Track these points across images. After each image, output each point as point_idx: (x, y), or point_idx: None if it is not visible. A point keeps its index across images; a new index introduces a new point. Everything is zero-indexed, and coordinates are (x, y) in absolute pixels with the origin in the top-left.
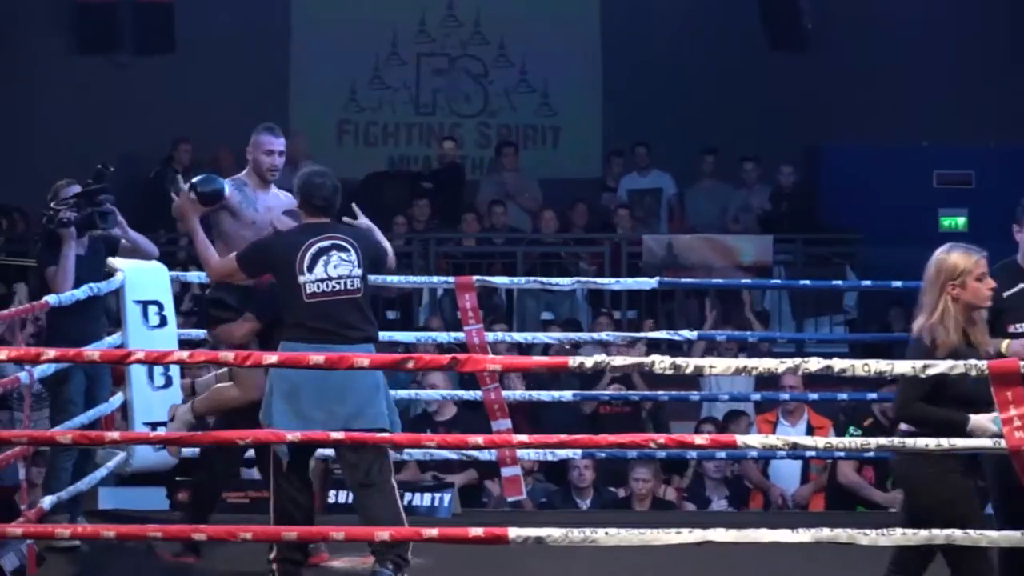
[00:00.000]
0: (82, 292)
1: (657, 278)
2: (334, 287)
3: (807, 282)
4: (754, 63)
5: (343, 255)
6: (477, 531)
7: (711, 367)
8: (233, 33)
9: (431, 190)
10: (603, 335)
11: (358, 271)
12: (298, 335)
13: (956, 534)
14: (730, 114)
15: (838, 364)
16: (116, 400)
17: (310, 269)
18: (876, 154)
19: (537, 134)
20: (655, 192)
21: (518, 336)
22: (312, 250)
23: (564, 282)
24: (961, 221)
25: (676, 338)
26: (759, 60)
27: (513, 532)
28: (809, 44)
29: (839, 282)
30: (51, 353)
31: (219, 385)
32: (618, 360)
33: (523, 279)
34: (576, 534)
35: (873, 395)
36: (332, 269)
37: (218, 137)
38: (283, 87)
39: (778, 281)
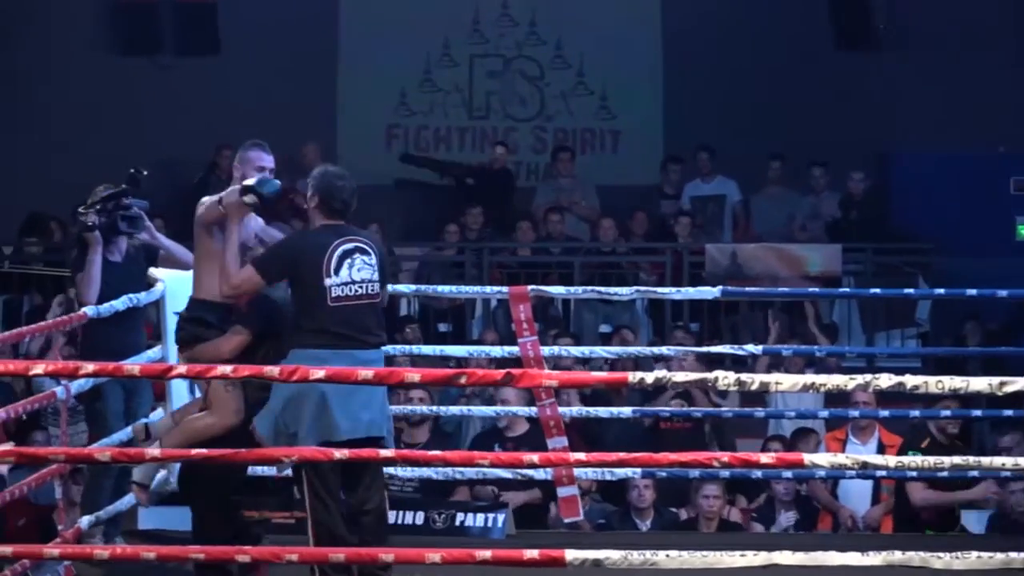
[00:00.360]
0: (121, 303)
1: (720, 287)
2: (357, 291)
3: (877, 291)
4: (822, 64)
5: (365, 259)
6: (532, 553)
7: (777, 383)
8: (279, 33)
9: (479, 192)
10: (663, 349)
11: (377, 275)
12: (320, 341)
13: None
14: (797, 118)
15: (911, 380)
16: (156, 415)
17: (336, 272)
18: (950, 160)
19: (595, 138)
20: (719, 199)
21: (575, 350)
22: (338, 252)
23: (623, 291)
24: None
25: (740, 352)
26: (827, 61)
27: (570, 554)
28: (880, 44)
29: (910, 290)
30: (89, 367)
31: (190, 417)
32: (680, 376)
33: (580, 289)
34: (636, 556)
35: (947, 412)
36: (356, 273)
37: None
38: (330, 90)
39: (847, 290)
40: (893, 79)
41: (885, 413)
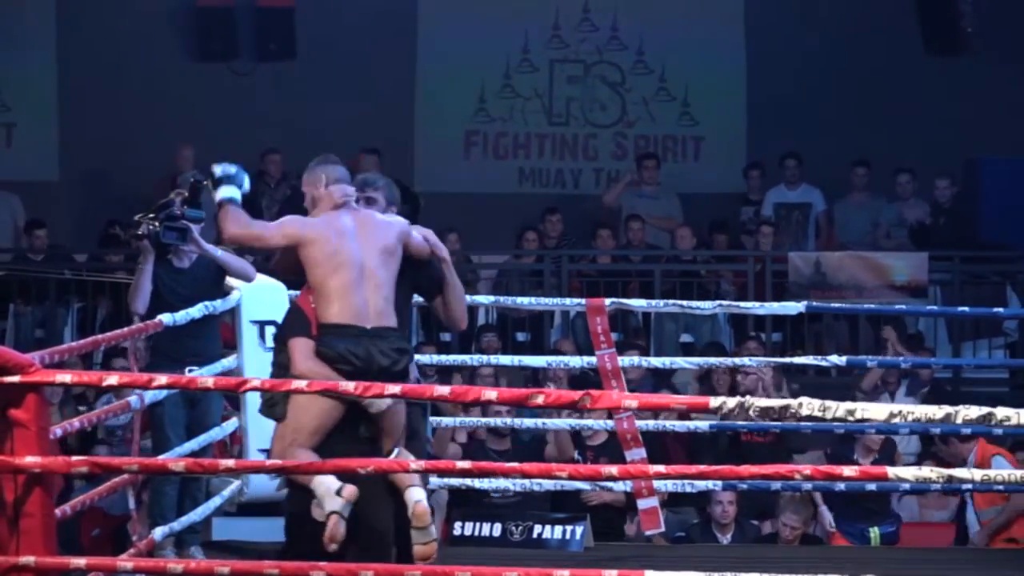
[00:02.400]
0: (197, 311)
1: (804, 303)
2: None
3: (966, 309)
4: (909, 69)
5: None
6: (611, 573)
7: (864, 411)
8: (356, 38)
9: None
10: (745, 360)
11: None
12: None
13: None
14: (883, 123)
15: (1001, 412)
16: (230, 426)
17: None
18: None
19: (677, 145)
20: (803, 207)
21: (655, 361)
22: None
23: (705, 306)
24: None
25: (823, 364)
26: (914, 66)
27: (649, 575)
28: (969, 48)
29: (999, 309)
30: (162, 379)
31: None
32: (763, 402)
33: (661, 302)
34: None
35: None
36: None
37: (339, 147)
38: (408, 95)
39: (934, 308)
40: (981, 84)
41: (967, 430)
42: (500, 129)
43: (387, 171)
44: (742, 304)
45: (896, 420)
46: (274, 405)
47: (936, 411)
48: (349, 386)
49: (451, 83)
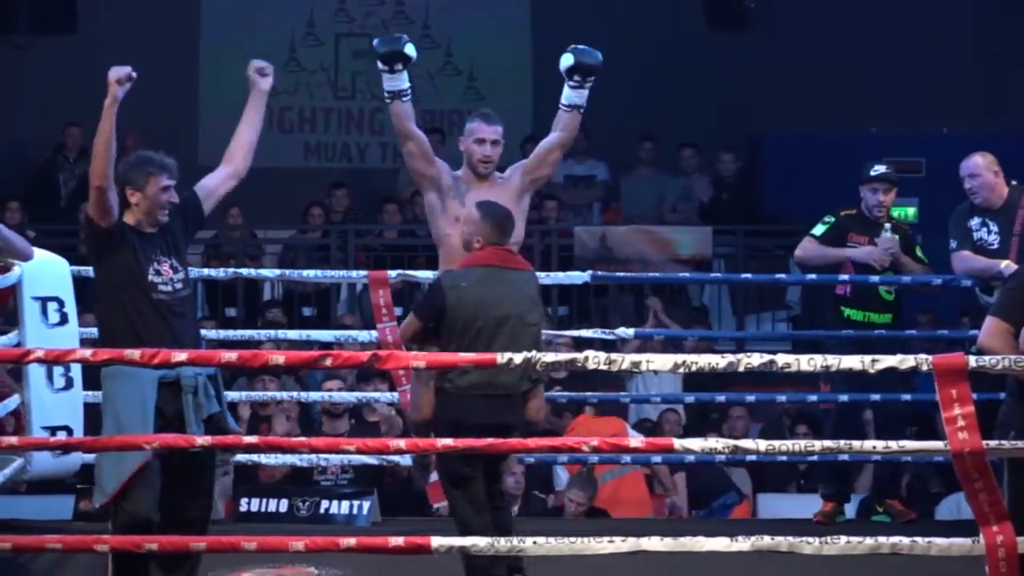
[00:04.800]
0: None
1: (589, 272)
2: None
3: (748, 276)
4: (692, 44)
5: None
6: (398, 541)
7: (649, 362)
8: (138, 11)
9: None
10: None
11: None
12: None
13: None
14: (668, 98)
15: (782, 359)
16: (11, 402)
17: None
18: (823, 142)
19: (463, 120)
20: (589, 179)
21: None
22: None
23: None
24: (911, 211)
25: (610, 337)
26: (698, 40)
27: (436, 541)
28: (751, 23)
29: (782, 275)
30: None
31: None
32: (550, 356)
33: None
34: (503, 543)
35: (814, 397)
36: None
37: (122, 122)
38: (193, 69)
39: (719, 275)
40: (764, 59)
41: (752, 398)
42: (285, 103)
43: (172, 144)
44: None
45: (682, 371)
46: None
47: (719, 360)
48: (135, 354)
49: (235, 56)
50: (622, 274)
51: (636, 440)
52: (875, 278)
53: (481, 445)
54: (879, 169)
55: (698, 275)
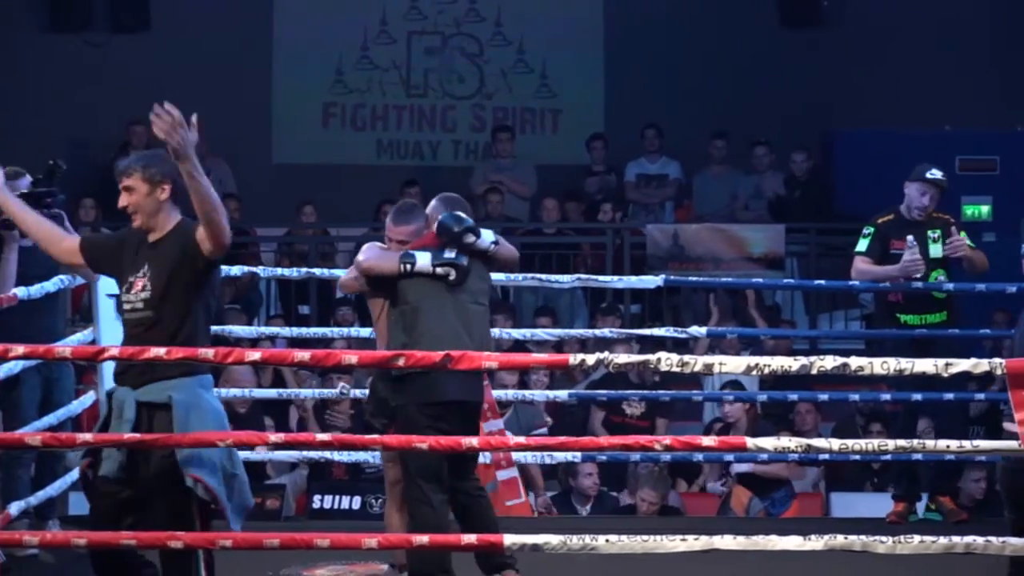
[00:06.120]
0: (53, 285)
1: (662, 276)
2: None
3: (822, 282)
4: (766, 42)
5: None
6: (470, 538)
7: (721, 364)
8: (211, 10)
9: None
10: (606, 331)
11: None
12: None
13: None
14: (741, 96)
15: (855, 362)
16: (87, 399)
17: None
18: (895, 139)
19: (535, 117)
20: (661, 178)
21: (515, 333)
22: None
23: (564, 279)
24: (985, 209)
25: (682, 336)
26: (771, 39)
27: (509, 539)
28: (824, 21)
29: (855, 283)
30: (19, 349)
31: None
32: (622, 357)
33: (520, 276)
34: (575, 541)
35: (887, 396)
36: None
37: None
38: (266, 67)
39: (791, 281)
40: (836, 57)
41: (824, 396)
42: (358, 101)
43: (245, 142)
44: (600, 278)
45: (755, 374)
46: None
47: (792, 362)
48: (208, 353)
49: (309, 54)
50: (694, 278)
51: (709, 439)
52: (918, 284)
53: (554, 444)
54: (935, 173)
55: (772, 281)
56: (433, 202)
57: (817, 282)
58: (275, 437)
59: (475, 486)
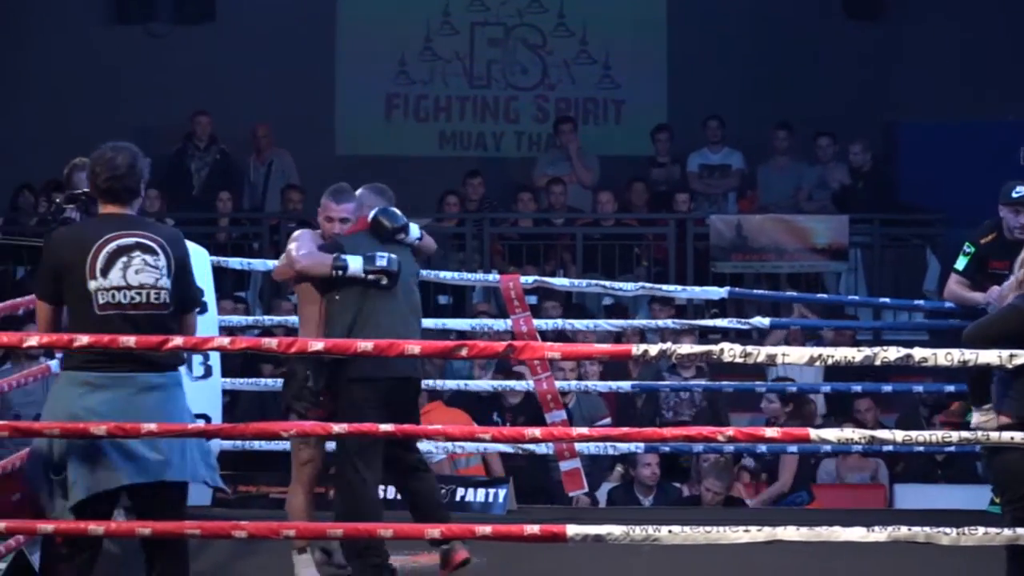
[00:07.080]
0: None
1: (727, 288)
2: (134, 299)
3: (886, 300)
4: (829, 33)
5: (148, 258)
6: (533, 529)
7: (785, 355)
8: (276, 1)
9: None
10: (669, 323)
11: (166, 281)
12: (79, 360)
13: None
14: (804, 87)
15: (919, 353)
16: None
17: (104, 273)
18: (957, 130)
19: (598, 108)
20: (724, 168)
21: (578, 323)
22: (109, 248)
23: (627, 287)
24: None
25: (745, 327)
26: (835, 29)
27: (572, 530)
28: (888, 11)
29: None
30: (84, 339)
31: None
32: (685, 348)
33: (583, 282)
34: (638, 532)
35: (951, 387)
36: (133, 275)
37: (254, 113)
38: (328, 59)
39: (856, 298)
40: (900, 48)
41: (888, 388)
42: (421, 92)
43: (309, 134)
44: (664, 287)
45: (818, 364)
46: None
47: (856, 353)
48: (272, 343)
49: (372, 46)
50: (760, 292)
51: (772, 431)
52: None
53: (616, 435)
54: (1021, 191)
55: (835, 296)
56: (362, 190)
57: (882, 300)
58: (338, 428)
59: (419, 459)
